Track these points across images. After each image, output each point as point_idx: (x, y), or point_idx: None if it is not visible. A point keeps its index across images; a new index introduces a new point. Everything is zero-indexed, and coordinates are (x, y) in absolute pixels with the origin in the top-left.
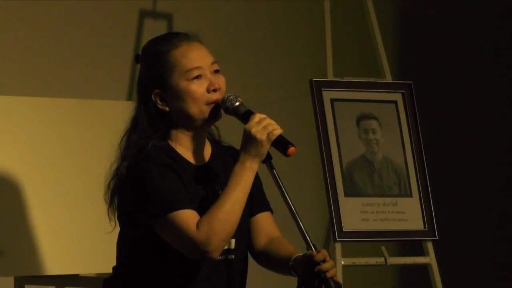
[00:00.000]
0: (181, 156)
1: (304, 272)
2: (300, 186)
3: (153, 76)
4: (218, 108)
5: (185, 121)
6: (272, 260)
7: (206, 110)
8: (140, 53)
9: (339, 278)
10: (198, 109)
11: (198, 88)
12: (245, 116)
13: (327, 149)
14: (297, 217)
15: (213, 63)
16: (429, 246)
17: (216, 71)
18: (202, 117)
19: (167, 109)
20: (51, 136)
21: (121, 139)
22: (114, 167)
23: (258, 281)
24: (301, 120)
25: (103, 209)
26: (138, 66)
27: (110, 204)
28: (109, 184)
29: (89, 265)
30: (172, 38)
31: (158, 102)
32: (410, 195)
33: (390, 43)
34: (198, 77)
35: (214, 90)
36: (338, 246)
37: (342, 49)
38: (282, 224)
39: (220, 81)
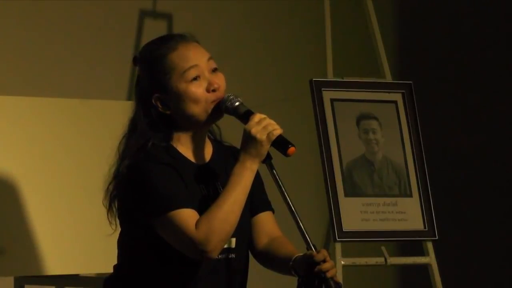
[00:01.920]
0: (182, 155)
1: (304, 272)
2: (300, 186)
3: (152, 81)
4: (219, 107)
5: (187, 122)
6: (272, 260)
7: (209, 108)
8: (137, 55)
9: (339, 278)
10: (200, 109)
11: (197, 88)
12: (245, 116)
13: (327, 149)
14: (297, 217)
15: (209, 59)
16: (429, 246)
17: (215, 70)
18: (204, 116)
19: (169, 112)
20: (51, 136)
21: (120, 142)
22: (113, 170)
23: (258, 281)
24: (301, 120)
25: (103, 209)
26: (138, 67)
27: (110, 206)
28: (108, 188)
29: (89, 265)
30: (168, 41)
31: (159, 106)
32: (410, 195)
33: (390, 43)
34: (196, 78)
35: (214, 90)
36: (338, 246)
37: (342, 49)
38: (282, 224)
39: (219, 79)
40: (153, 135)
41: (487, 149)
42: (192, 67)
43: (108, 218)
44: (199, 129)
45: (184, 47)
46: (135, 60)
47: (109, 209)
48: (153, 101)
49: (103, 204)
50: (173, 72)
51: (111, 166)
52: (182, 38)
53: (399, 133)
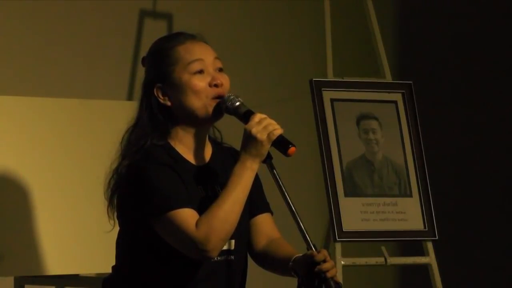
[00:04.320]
0: (181, 155)
1: (304, 272)
2: (300, 186)
3: (156, 71)
4: (219, 107)
5: (187, 116)
6: (271, 261)
7: (209, 104)
8: (145, 55)
9: (339, 278)
10: (200, 103)
11: (199, 81)
12: (246, 116)
13: (327, 149)
14: (297, 217)
15: (215, 58)
16: (429, 246)
17: (220, 69)
18: (204, 111)
19: (169, 103)
20: (51, 136)
21: (123, 137)
22: (114, 166)
23: (258, 281)
24: (301, 120)
25: (103, 209)
26: (139, 66)
27: (110, 202)
28: (109, 182)
29: (89, 265)
30: (177, 36)
31: (160, 96)
32: (410, 195)
33: (390, 43)
34: (200, 71)
35: (216, 85)
36: (338, 246)
37: (342, 49)
38: (282, 224)
39: (224, 79)
40: (151, 133)
41: (487, 149)
42: (197, 60)
43: (107, 213)
44: (198, 127)
45: (192, 43)
46: (143, 61)
47: (109, 204)
48: (154, 91)
49: (104, 197)
50: (178, 64)
51: (112, 161)
52: (191, 36)
53: (399, 133)
